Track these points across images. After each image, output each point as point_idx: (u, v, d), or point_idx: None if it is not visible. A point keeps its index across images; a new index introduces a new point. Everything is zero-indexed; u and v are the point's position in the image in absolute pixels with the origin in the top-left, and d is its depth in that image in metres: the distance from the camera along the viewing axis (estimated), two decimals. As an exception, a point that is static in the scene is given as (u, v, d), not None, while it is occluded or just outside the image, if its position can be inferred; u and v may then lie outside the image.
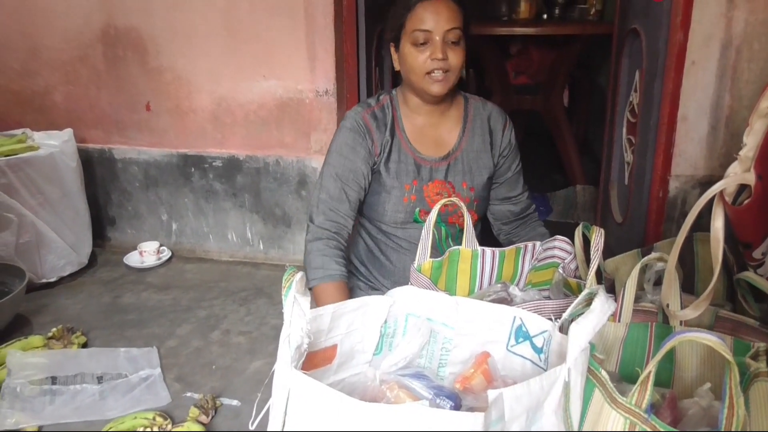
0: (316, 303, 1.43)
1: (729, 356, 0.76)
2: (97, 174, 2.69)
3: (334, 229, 1.53)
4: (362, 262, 1.73)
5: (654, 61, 1.99)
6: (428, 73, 1.46)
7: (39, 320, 2.12)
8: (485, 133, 1.63)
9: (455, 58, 1.46)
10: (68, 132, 2.46)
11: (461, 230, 1.59)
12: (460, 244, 1.39)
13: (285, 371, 0.81)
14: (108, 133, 2.65)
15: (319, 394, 0.78)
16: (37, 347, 1.87)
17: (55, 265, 2.38)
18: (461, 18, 1.47)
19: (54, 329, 1.90)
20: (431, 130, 1.62)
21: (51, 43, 2.56)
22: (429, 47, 1.45)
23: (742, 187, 1.16)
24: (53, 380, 1.68)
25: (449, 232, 1.62)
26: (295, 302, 0.84)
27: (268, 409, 0.87)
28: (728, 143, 2.02)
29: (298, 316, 0.83)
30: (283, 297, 0.86)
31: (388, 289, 1.62)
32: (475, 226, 1.62)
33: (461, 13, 1.47)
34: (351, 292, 1.55)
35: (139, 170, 2.65)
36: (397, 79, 1.57)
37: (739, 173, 1.13)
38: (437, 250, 1.41)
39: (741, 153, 1.17)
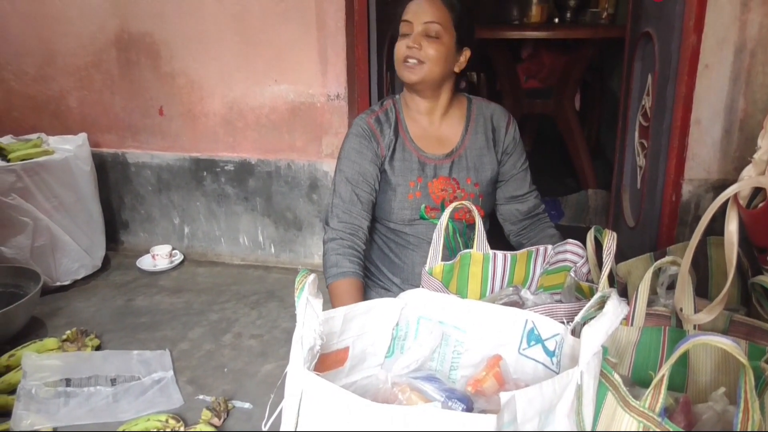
0: (331, 300, 1.47)
1: (744, 359, 0.76)
2: (111, 178, 2.72)
3: (349, 230, 1.57)
4: (371, 260, 1.75)
5: (667, 64, 1.98)
6: (404, 61, 1.55)
7: (53, 323, 2.14)
8: (488, 130, 1.67)
9: (430, 49, 1.52)
10: (82, 136, 2.49)
11: (468, 226, 1.62)
12: (468, 239, 1.39)
13: (298, 372, 0.82)
14: (121, 137, 2.68)
15: (332, 395, 0.78)
16: (52, 350, 1.89)
17: (70, 269, 2.40)
18: (446, 15, 1.54)
19: (68, 332, 1.92)
20: (434, 129, 1.66)
21: (66, 49, 2.59)
22: (409, 37, 1.54)
23: (757, 191, 1.15)
24: (67, 382, 1.69)
25: (456, 228, 1.63)
26: (307, 304, 0.84)
27: (280, 411, 0.87)
28: (742, 147, 2.00)
29: (311, 318, 0.84)
30: (296, 299, 0.86)
31: (398, 287, 1.65)
32: (483, 222, 1.62)
33: (447, 11, 1.54)
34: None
35: (151, 174, 2.67)
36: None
37: (754, 176, 1.13)
38: (446, 247, 1.42)
39: (755, 156, 1.16)
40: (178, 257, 2.66)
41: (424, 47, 1.52)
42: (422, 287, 1.20)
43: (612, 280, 1.37)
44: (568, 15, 3.70)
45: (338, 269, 1.50)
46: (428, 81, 1.56)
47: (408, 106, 1.66)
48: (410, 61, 1.53)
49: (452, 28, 1.55)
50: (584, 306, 0.99)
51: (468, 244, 1.58)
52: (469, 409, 0.95)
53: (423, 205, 1.60)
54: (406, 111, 1.66)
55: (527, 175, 1.72)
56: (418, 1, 1.55)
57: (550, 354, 1.00)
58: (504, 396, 0.74)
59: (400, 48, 1.56)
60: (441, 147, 1.64)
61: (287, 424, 0.84)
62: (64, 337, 1.91)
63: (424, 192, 1.60)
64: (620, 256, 1.51)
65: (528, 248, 1.42)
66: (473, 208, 1.37)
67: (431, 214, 1.60)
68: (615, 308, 0.87)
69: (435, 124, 1.66)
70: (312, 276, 0.89)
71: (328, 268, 1.52)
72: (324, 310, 0.90)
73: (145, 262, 2.61)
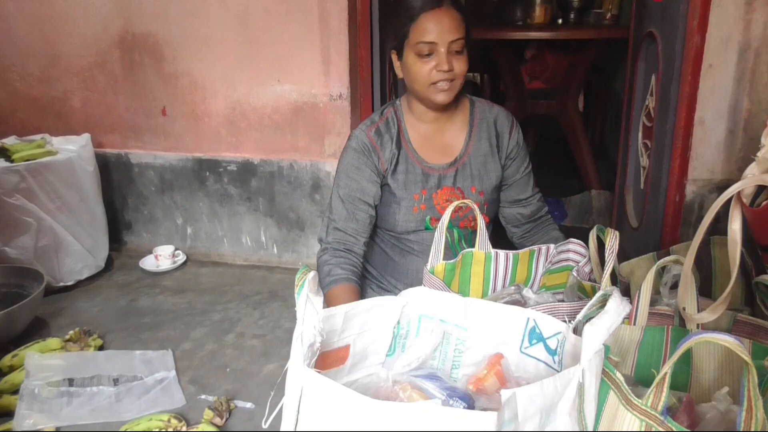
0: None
1: (747, 357, 0.75)
2: (114, 178, 2.72)
3: (343, 247, 1.56)
4: (374, 265, 1.74)
5: (670, 64, 1.97)
6: (433, 83, 1.47)
7: (57, 323, 2.15)
8: (492, 136, 1.63)
9: (460, 66, 1.46)
10: (86, 137, 2.50)
11: (474, 232, 1.60)
12: (473, 245, 1.38)
13: (298, 369, 0.81)
14: (125, 137, 2.68)
15: (332, 392, 0.78)
16: (55, 349, 1.89)
17: (73, 269, 2.41)
18: (464, 27, 1.47)
19: (71, 332, 1.92)
20: (437, 136, 1.62)
21: (70, 50, 2.60)
22: (434, 58, 1.45)
23: (760, 189, 1.15)
24: (70, 382, 1.69)
25: (462, 235, 1.62)
26: (307, 301, 0.84)
27: (281, 409, 0.87)
28: (746, 147, 1.99)
29: (311, 315, 0.83)
30: (295, 295, 0.86)
31: (400, 291, 1.64)
32: (486, 227, 1.61)
33: (464, 22, 1.47)
34: (363, 295, 1.56)
35: (154, 174, 2.68)
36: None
37: (757, 174, 1.12)
38: (451, 252, 1.41)
39: (759, 154, 1.16)
40: (181, 257, 2.66)
41: (454, 66, 1.45)
42: (424, 286, 1.20)
43: (614, 280, 1.37)
44: (572, 16, 3.69)
45: (331, 277, 1.49)
46: (456, 94, 1.51)
47: (411, 112, 1.61)
48: (443, 84, 1.46)
49: (466, 36, 1.48)
50: (586, 305, 0.99)
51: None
52: (471, 407, 0.95)
53: (428, 217, 1.58)
54: (408, 118, 1.61)
55: (530, 178, 1.69)
56: (437, 18, 1.43)
57: (552, 352, 0.99)
58: (505, 393, 0.74)
59: (428, 72, 1.45)
60: (444, 156, 1.61)
61: (287, 422, 0.84)
62: (67, 337, 1.92)
63: (428, 204, 1.58)
64: (623, 256, 1.50)
65: (530, 247, 1.41)
66: (475, 207, 1.36)
67: (436, 225, 1.57)
68: (617, 306, 0.86)
69: (439, 131, 1.61)
70: (312, 273, 0.89)
71: (322, 279, 1.50)
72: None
73: (148, 263, 2.61)
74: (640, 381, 1.06)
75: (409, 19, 1.46)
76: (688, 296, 1.09)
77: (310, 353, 0.83)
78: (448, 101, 1.50)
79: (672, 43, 1.96)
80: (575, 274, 1.24)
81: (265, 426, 0.88)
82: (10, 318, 1.90)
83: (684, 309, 1.10)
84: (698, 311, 1.08)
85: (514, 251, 1.40)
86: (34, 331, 2.07)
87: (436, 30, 1.43)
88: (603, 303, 0.92)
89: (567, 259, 1.35)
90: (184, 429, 1.54)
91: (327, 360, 0.97)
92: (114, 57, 2.57)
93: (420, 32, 1.44)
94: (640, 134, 2.29)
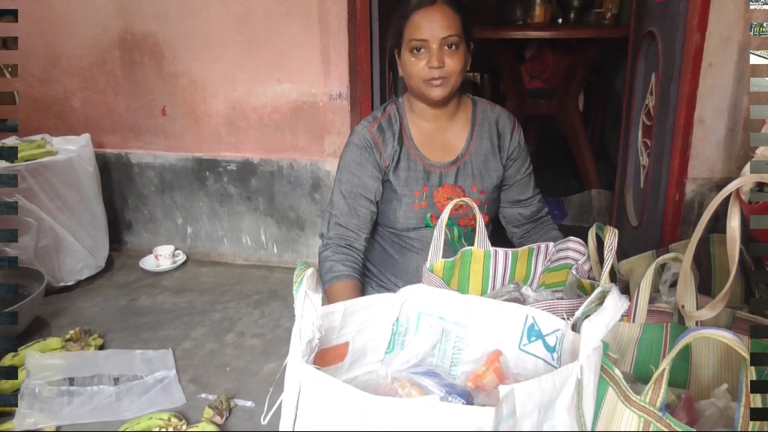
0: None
1: (745, 353, 0.75)
2: (114, 178, 2.72)
3: (344, 242, 1.56)
4: (374, 263, 1.74)
5: (670, 63, 1.97)
6: (426, 80, 1.48)
7: (57, 323, 2.15)
8: (493, 136, 1.64)
9: (453, 63, 1.46)
10: (86, 137, 2.50)
11: (473, 231, 1.60)
12: (472, 243, 1.38)
13: (296, 365, 0.81)
14: (125, 137, 2.69)
15: (330, 387, 0.78)
16: (56, 349, 1.89)
17: (73, 269, 2.41)
18: (459, 24, 1.47)
19: (72, 331, 1.92)
20: (439, 134, 1.62)
21: (70, 50, 2.60)
22: (426, 55, 1.46)
23: (760, 186, 1.14)
24: (71, 381, 1.69)
25: (461, 233, 1.63)
26: (306, 297, 0.84)
27: (280, 406, 0.87)
28: (746, 146, 1.99)
29: (309, 311, 0.84)
30: (294, 292, 0.86)
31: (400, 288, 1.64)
32: (486, 227, 1.61)
33: (459, 19, 1.47)
34: (363, 293, 1.56)
35: (155, 174, 2.68)
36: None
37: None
38: (450, 250, 1.40)
39: (758, 151, 1.16)
40: (181, 257, 2.66)
41: (446, 63, 1.45)
42: (423, 284, 1.20)
43: (614, 278, 1.37)
44: (572, 15, 3.69)
45: (332, 274, 1.49)
46: (452, 92, 1.52)
47: (413, 110, 1.61)
48: (435, 81, 1.47)
49: (463, 32, 1.48)
50: (585, 302, 0.99)
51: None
52: (470, 403, 0.95)
53: (429, 215, 1.59)
54: (410, 116, 1.62)
55: (531, 179, 1.70)
56: (429, 15, 1.45)
57: (551, 350, 0.99)
58: (503, 389, 0.74)
59: (420, 69, 1.47)
60: (446, 154, 1.61)
61: (286, 418, 0.84)
62: (68, 336, 1.92)
63: (429, 202, 1.58)
64: (623, 255, 1.50)
65: (529, 246, 1.41)
66: (474, 206, 1.36)
67: (437, 222, 1.58)
68: (615, 303, 0.86)
69: (440, 130, 1.62)
70: (310, 270, 0.89)
71: (323, 275, 1.51)
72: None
73: (148, 263, 2.61)
74: (639, 378, 1.07)
75: (404, 17, 1.49)
76: (687, 294, 1.09)
77: (309, 349, 0.83)
78: (442, 97, 1.50)
79: (672, 42, 1.96)
80: (574, 272, 1.24)
81: (264, 422, 0.88)
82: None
83: (683, 306, 1.10)
84: (697, 308, 1.08)
85: (513, 249, 1.40)
86: (35, 330, 2.07)
87: (428, 27, 1.44)
88: (601, 300, 0.92)
89: (566, 257, 1.35)
90: (184, 428, 1.54)
91: (326, 357, 0.97)
92: (114, 57, 2.57)
93: (412, 29, 1.47)
94: (639, 133, 2.29)
